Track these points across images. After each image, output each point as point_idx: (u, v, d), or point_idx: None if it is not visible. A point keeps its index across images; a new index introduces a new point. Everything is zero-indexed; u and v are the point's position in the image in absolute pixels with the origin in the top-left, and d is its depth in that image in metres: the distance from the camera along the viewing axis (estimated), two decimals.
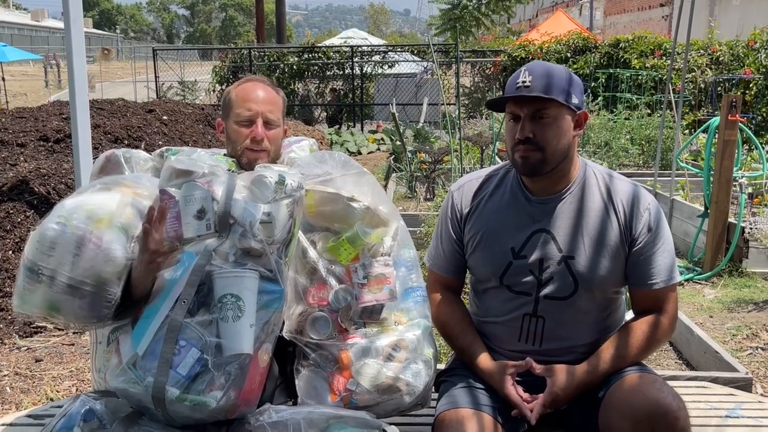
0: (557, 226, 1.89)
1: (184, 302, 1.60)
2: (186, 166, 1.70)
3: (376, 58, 17.08)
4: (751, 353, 3.66)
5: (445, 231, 2.04)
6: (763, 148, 5.92)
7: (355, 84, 16.68)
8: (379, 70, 16.96)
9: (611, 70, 12.58)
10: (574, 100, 1.84)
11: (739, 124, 4.97)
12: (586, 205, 1.90)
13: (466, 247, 2.01)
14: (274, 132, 1.99)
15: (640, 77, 12.04)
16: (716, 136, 5.08)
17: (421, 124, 10.97)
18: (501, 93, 1.91)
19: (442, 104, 10.40)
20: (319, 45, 18.20)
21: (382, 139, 13.03)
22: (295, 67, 16.28)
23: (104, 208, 1.71)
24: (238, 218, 1.65)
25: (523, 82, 1.82)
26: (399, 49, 18.23)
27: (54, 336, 3.91)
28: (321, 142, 10.52)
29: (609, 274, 1.87)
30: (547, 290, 1.88)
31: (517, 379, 1.87)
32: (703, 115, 10.97)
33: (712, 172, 5.11)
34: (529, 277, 1.89)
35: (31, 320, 1.73)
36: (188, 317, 1.59)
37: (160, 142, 6.89)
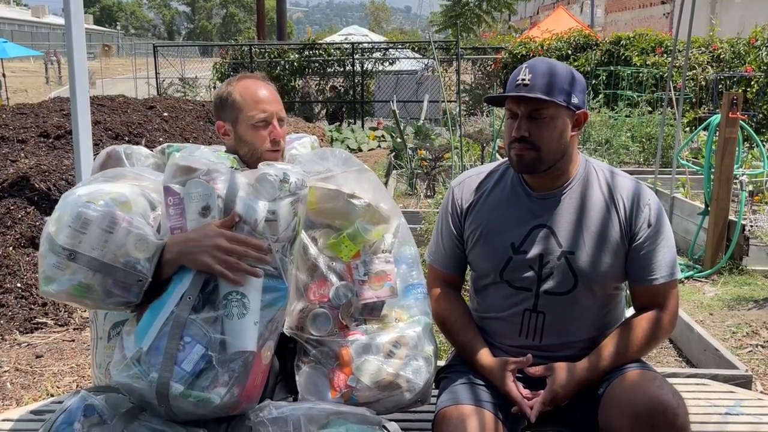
0: (557, 222, 1.89)
1: (189, 298, 1.60)
2: (189, 163, 1.70)
3: (377, 55, 17.07)
4: (751, 351, 3.66)
5: (446, 226, 2.05)
6: (763, 145, 5.91)
7: (356, 81, 16.66)
8: (380, 67, 16.94)
9: (612, 68, 12.59)
10: (575, 100, 1.84)
11: (740, 121, 4.97)
12: (587, 200, 1.90)
13: (466, 242, 2.01)
14: (285, 129, 2.01)
15: (641, 75, 12.03)
16: (717, 133, 5.08)
17: (421, 122, 10.98)
18: (502, 90, 1.92)
19: (443, 101, 10.40)
20: (320, 42, 18.20)
21: (383, 136, 13.03)
22: (295, 64, 16.27)
23: (123, 196, 1.70)
24: (242, 216, 1.65)
25: (523, 80, 1.82)
26: (400, 46, 18.23)
27: (54, 332, 3.91)
28: (321, 139, 10.52)
29: (609, 270, 1.88)
30: (547, 285, 1.88)
31: (517, 375, 1.88)
32: (704, 113, 10.96)
33: (712, 170, 5.11)
34: (529, 272, 1.89)
35: (50, 302, 1.69)
36: (193, 314, 1.59)
37: (160, 139, 6.89)
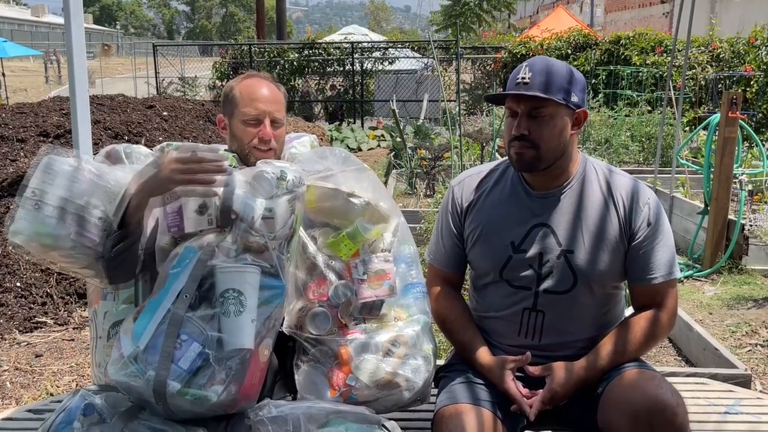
0: (557, 221, 1.89)
1: (185, 297, 1.60)
2: None
3: (377, 54, 17.07)
4: (750, 350, 3.66)
5: (446, 225, 2.05)
6: (763, 145, 5.91)
7: (356, 80, 16.66)
8: (380, 67, 16.94)
9: (612, 67, 12.58)
10: (574, 99, 1.84)
11: (740, 121, 4.97)
12: (586, 199, 1.90)
13: (466, 241, 2.01)
14: (280, 131, 2.01)
15: (640, 74, 12.04)
16: (716, 133, 5.08)
17: (421, 121, 10.98)
18: (502, 89, 1.93)
19: (443, 101, 10.38)
20: (320, 41, 18.19)
21: (383, 135, 13.03)
22: (295, 63, 16.27)
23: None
24: (239, 213, 1.66)
25: (523, 78, 1.82)
26: (399, 46, 18.23)
27: (54, 331, 3.91)
28: (321, 139, 10.52)
29: (608, 269, 1.88)
30: (546, 284, 1.88)
31: (516, 374, 1.88)
32: (704, 113, 10.97)
33: (712, 170, 5.11)
34: (528, 271, 1.90)
35: (24, 254, 1.71)
36: (190, 312, 1.59)
37: (160, 138, 6.89)
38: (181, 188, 1.65)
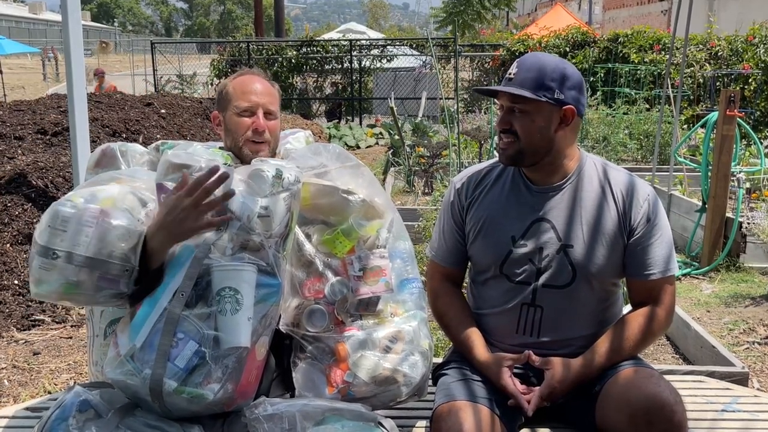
0: (556, 216, 1.90)
1: (182, 295, 1.60)
2: (182, 160, 1.70)
3: (375, 52, 17.06)
4: (748, 348, 3.67)
5: (447, 221, 2.05)
6: (761, 143, 5.92)
7: (354, 78, 16.65)
8: (378, 64, 16.94)
9: (610, 65, 12.58)
10: (561, 96, 1.83)
11: (738, 119, 4.97)
12: (586, 195, 1.91)
13: (467, 236, 2.01)
14: (273, 123, 2.00)
15: (638, 72, 12.03)
16: (714, 131, 5.08)
17: (419, 119, 10.96)
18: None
19: (441, 98, 10.38)
20: (318, 39, 18.16)
21: (381, 133, 13.02)
22: (293, 60, 16.24)
23: (106, 192, 1.70)
24: (236, 212, 1.65)
25: (510, 74, 1.86)
26: (398, 43, 18.22)
27: (52, 329, 3.91)
28: (319, 137, 10.50)
29: (607, 263, 1.88)
30: (545, 279, 1.89)
31: (514, 371, 1.88)
32: (702, 110, 10.97)
33: (710, 167, 5.11)
34: (527, 265, 1.90)
35: (46, 303, 1.67)
36: (186, 310, 1.59)
37: (158, 136, 6.88)
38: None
